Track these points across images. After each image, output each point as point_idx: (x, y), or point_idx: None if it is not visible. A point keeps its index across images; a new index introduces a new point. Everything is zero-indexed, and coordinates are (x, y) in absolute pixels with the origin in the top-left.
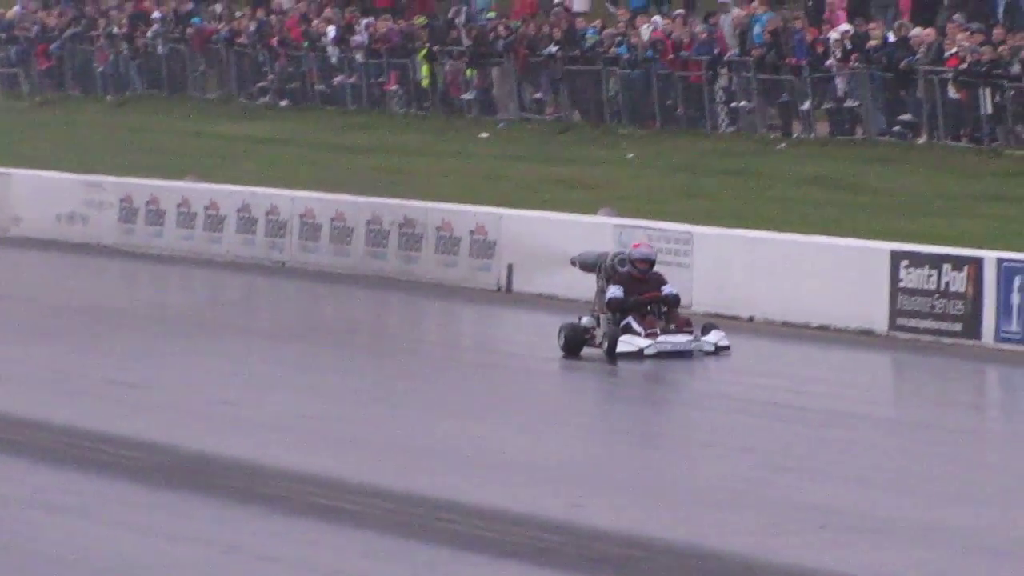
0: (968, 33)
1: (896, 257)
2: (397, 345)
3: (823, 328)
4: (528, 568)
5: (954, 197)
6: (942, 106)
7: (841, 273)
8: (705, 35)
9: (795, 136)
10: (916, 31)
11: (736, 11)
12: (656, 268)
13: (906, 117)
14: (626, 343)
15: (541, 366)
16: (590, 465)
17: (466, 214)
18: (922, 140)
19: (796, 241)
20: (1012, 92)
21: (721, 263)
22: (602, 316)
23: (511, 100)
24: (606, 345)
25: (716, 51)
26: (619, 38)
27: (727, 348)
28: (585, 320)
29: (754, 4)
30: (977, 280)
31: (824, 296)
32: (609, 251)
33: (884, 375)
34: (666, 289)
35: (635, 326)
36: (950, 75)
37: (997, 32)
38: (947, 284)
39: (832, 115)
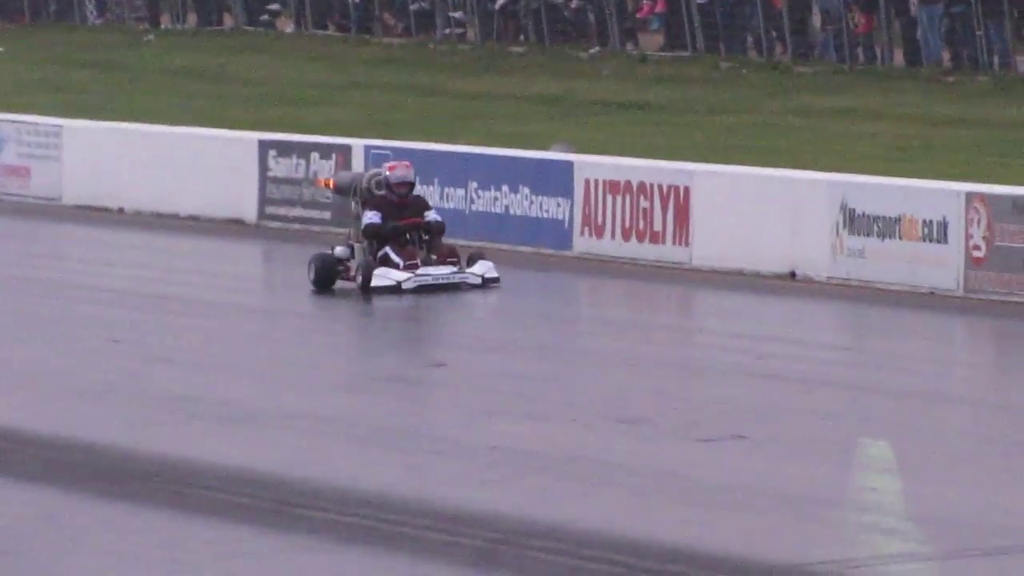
0: None
1: (264, 147)
2: None
3: (194, 218)
4: None
5: (322, 86)
6: None
7: (210, 163)
8: None
9: (164, 27)
10: None
11: None
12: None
13: (274, 6)
14: (382, 276)
15: None
16: None
17: None
18: (290, 29)
19: (165, 132)
20: None
21: (91, 156)
22: (357, 245)
23: None
24: (360, 279)
25: None
26: None
27: (496, 280)
28: (339, 250)
29: None
30: (346, 167)
31: (194, 186)
32: (365, 172)
33: (253, 264)
34: (429, 215)
35: (393, 257)
36: None
37: None
38: (315, 172)
39: (199, 5)
